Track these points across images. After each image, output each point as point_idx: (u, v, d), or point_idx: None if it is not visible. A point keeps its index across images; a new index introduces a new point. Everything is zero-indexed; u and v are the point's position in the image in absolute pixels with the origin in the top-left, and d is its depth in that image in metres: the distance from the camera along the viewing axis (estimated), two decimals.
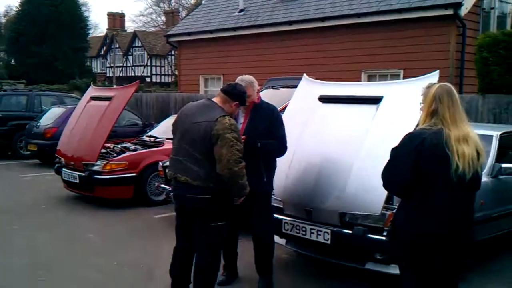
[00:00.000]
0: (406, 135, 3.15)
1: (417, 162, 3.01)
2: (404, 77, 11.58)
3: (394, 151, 3.17)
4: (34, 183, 10.38)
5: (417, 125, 3.24)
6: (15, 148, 13.75)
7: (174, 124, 4.29)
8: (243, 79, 4.61)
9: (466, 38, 12.09)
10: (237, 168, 3.90)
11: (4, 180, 10.62)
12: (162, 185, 7.44)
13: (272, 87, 9.68)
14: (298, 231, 4.84)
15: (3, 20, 48.34)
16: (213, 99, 4.24)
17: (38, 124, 12.58)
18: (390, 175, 3.17)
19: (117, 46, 43.23)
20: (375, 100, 4.89)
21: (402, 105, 4.64)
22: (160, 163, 7.37)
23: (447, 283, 3.21)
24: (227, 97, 4.16)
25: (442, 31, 12.17)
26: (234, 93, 4.19)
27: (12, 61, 31.71)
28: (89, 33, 33.99)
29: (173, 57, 41.19)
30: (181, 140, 4.10)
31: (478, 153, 3.05)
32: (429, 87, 3.24)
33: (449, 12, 11.82)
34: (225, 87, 4.24)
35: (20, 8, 29.48)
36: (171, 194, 6.06)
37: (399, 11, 12.62)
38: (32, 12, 28.21)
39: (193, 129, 4.01)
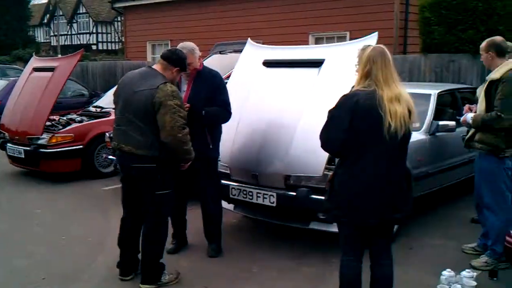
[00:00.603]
0: (341, 97, 3.23)
1: (352, 122, 3.11)
2: (351, 39, 11.68)
3: (331, 112, 3.25)
4: None
5: (352, 87, 3.32)
6: None
7: (115, 94, 4.24)
8: (184, 46, 4.57)
9: None
10: (181, 135, 3.92)
11: None
12: (110, 156, 7.38)
13: (220, 52, 9.63)
14: (245, 196, 4.92)
15: None
16: (153, 66, 4.20)
17: None
18: (327, 136, 3.27)
19: (61, 13, 41.68)
20: (317, 63, 4.95)
21: (341, 67, 4.71)
22: (107, 134, 7.29)
23: (382, 236, 3.36)
24: (167, 63, 4.11)
25: None
26: (174, 59, 4.14)
27: None
28: (30, 1, 32.63)
29: (119, 23, 40.12)
30: (123, 109, 4.06)
31: (409, 112, 3.16)
32: (363, 49, 3.31)
33: None
34: (165, 53, 4.19)
35: None
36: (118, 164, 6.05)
37: None
38: None
39: (135, 98, 3.97)
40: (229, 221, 5.62)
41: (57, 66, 8.38)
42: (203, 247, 4.94)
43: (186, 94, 4.67)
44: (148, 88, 3.92)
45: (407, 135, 3.19)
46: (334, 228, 4.49)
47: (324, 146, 3.34)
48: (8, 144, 8.34)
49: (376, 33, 4.86)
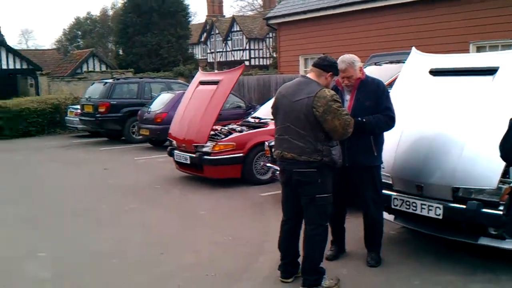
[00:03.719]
0: None
1: None
2: None
3: None
4: (148, 165, 11.01)
5: None
6: (128, 133, 14.59)
7: (274, 106, 4.41)
8: (344, 60, 4.63)
9: None
10: (351, 129, 4.12)
11: (121, 163, 11.39)
12: (268, 164, 7.62)
13: (375, 64, 9.52)
14: (408, 207, 4.78)
15: (111, 12, 51.28)
16: (307, 75, 4.32)
17: (149, 110, 13.17)
18: (508, 146, 3.08)
19: (217, 32, 44.24)
20: (490, 71, 4.71)
21: None
22: (266, 143, 7.55)
23: None
24: (320, 70, 4.24)
25: None
26: (325, 65, 4.25)
27: (120, 51, 33.53)
28: (190, 21, 35.07)
29: (270, 39, 41.49)
30: (284, 119, 4.23)
31: None
32: None
33: None
34: (316, 61, 4.32)
35: (126, 0, 31.03)
36: (277, 172, 6.23)
37: None
38: (137, 3, 29.61)
39: (294, 107, 4.13)
40: (388, 232, 5.47)
41: (221, 79, 8.85)
42: (362, 256, 4.91)
43: (350, 104, 4.70)
44: (306, 96, 4.07)
45: None
46: (506, 245, 4.30)
47: (505, 156, 3.18)
48: (176, 151, 9.01)
49: None
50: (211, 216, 6.80)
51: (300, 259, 4.42)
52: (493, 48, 12.27)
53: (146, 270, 4.92)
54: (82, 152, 13.19)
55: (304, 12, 17.57)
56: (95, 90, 15.14)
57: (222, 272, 4.78)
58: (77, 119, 15.58)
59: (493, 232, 4.38)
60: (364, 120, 4.52)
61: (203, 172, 8.44)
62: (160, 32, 30.33)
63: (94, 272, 4.93)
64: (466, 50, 12.57)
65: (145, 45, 29.79)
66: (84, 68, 27.26)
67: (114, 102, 14.38)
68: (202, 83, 9.29)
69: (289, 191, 4.37)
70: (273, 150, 4.89)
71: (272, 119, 8.03)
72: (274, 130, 4.47)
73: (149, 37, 29.89)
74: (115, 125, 14.52)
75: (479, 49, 12.84)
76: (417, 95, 5.14)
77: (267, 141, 7.60)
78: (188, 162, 8.58)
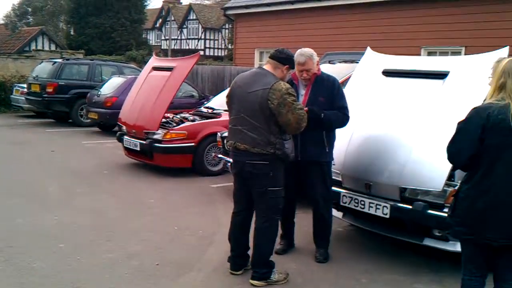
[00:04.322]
0: (472, 109, 3.14)
1: (482, 135, 3.01)
2: (466, 54, 11.25)
3: (460, 124, 3.17)
4: (96, 149, 10.76)
5: (484, 100, 3.22)
6: (75, 116, 14.19)
7: (229, 96, 4.38)
8: (302, 52, 4.65)
9: None
10: (305, 123, 4.12)
11: (69, 146, 11.06)
12: (220, 155, 7.59)
13: (329, 62, 9.61)
14: (356, 205, 4.86)
15: None
16: (263, 67, 4.32)
17: (99, 93, 12.87)
18: (454, 149, 3.17)
19: (173, 18, 43.59)
20: (441, 75, 4.83)
21: (469, 80, 4.59)
22: (219, 134, 7.52)
23: (510, 259, 3.18)
24: (277, 62, 4.24)
25: (507, 7, 11.70)
26: (283, 57, 4.26)
27: (71, 31, 32.53)
28: (146, 5, 34.41)
29: (227, 30, 41.29)
30: (239, 110, 4.21)
31: None
32: (499, 61, 3.20)
33: None
34: (273, 53, 4.32)
35: None
36: (228, 164, 6.21)
37: None
38: None
39: (249, 98, 4.11)
40: (336, 229, 5.56)
41: (175, 66, 8.73)
42: (310, 251, 4.96)
43: (305, 99, 4.73)
44: (262, 88, 4.06)
45: None
46: (449, 247, 4.41)
47: (451, 159, 3.25)
48: (125, 137, 8.83)
49: (507, 47, 4.69)
50: (160, 205, 6.70)
51: (250, 252, 4.43)
52: (443, 54, 12.65)
53: (93, 256, 4.81)
54: (27, 133, 12.74)
55: (262, 5, 17.58)
56: (43, 69, 14.62)
57: (170, 262, 4.72)
58: (23, 98, 14.99)
59: (438, 234, 4.49)
60: (322, 114, 4.55)
61: (153, 159, 8.33)
62: (114, 14, 29.61)
63: (41, 256, 4.77)
64: (418, 55, 12.91)
65: (98, 26, 29.03)
66: (33, 46, 26.34)
67: (63, 83, 13.96)
68: (155, 68, 9.13)
69: (241, 182, 4.36)
70: (225, 140, 4.83)
71: (225, 110, 8.00)
72: (226, 121, 4.44)
73: (103, 19, 29.14)
74: (62, 107, 14.10)
75: (430, 54, 13.23)
76: (369, 94, 5.22)
77: (219, 132, 7.57)
78: (138, 148, 8.44)
